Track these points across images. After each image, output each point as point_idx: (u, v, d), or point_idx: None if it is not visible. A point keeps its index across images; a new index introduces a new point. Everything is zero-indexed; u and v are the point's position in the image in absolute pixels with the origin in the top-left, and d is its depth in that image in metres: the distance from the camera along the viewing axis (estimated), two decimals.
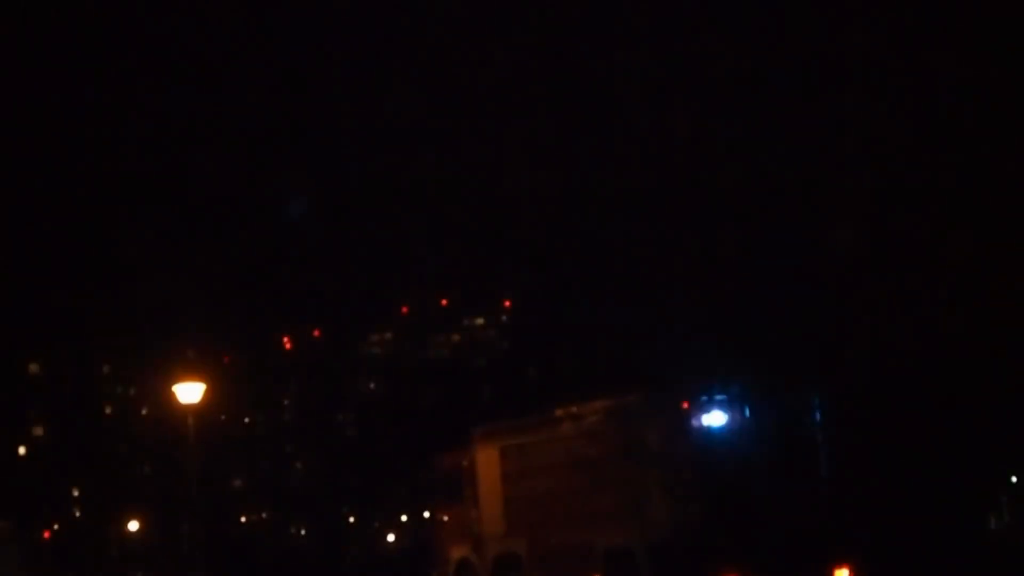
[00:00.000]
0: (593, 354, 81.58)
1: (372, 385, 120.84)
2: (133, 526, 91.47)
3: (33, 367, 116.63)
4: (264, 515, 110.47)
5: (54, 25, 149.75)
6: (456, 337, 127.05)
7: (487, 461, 34.77)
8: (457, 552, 36.16)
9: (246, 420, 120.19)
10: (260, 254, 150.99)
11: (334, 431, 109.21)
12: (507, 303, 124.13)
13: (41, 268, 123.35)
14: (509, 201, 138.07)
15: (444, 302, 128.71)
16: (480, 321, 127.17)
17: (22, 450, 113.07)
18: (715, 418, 29.62)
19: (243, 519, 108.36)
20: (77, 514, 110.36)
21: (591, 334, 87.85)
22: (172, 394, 33.36)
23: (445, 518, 37.30)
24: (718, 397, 29.91)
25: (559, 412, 33.31)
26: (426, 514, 42.11)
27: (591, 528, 31.13)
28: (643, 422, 30.49)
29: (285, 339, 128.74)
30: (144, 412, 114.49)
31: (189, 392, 32.93)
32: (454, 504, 36.31)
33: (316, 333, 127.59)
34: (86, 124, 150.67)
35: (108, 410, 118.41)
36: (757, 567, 28.55)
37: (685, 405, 29.83)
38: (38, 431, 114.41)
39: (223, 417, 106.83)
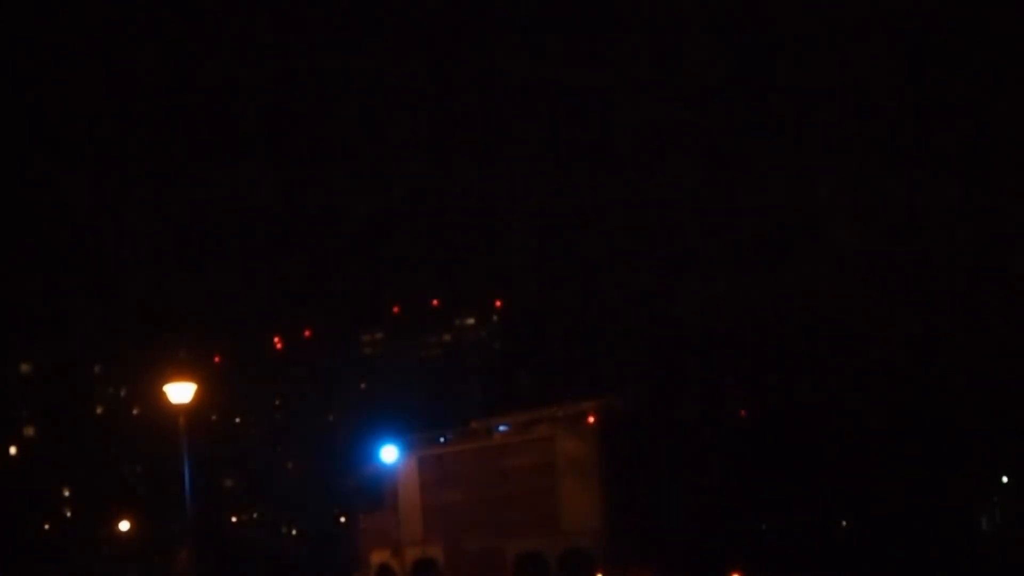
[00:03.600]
0: (578, 355, 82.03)
1: (363, 385, 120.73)
2: (124, 526, 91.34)
3: (24, 367, 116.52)
4: (255, 515, 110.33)
5: (44, 21, 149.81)
6: (447, 337, 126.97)
7: (407, 470, 36.15)
8: (378, 556, 37.29)
9: (237, 420, 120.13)
10: (251, 255, 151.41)
11: (325, 431, 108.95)
12: (498, 303, 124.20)
13: (32, 268, 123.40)
14: (500, 203, 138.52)
15: (435, 302, 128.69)
16: (471, 321, 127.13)
17: (13, 450, 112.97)
18: (621, 432, 30.52)
19: (234, 519, 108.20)
20: (68, 513, 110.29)
21: (577, 336, 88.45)
22: (163, 394, 33.25)
23: (367, 523, 38.05)
24: (624, 411, 30.85)
25: (474, 425, 35.33)
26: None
27: (504, 535, 32.49)
28: (555, 435, 31.52)
29: (276, 339, 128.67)
30: (135, 412, 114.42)
31: (180, 392, 32.80)
32: (375, 510, 37.40)
33: (307, 333, 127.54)
34: (80, 123, 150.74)
35: (99, 410, 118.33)
36: (663, 571, 29.57)
37: (591, 420, 30.68)
38: (29, 431, 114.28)
39: (214, 417, 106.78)
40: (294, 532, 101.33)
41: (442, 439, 36.02)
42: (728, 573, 30.08)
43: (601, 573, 30.06)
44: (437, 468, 35.19)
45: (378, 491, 37.04)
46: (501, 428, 33.84)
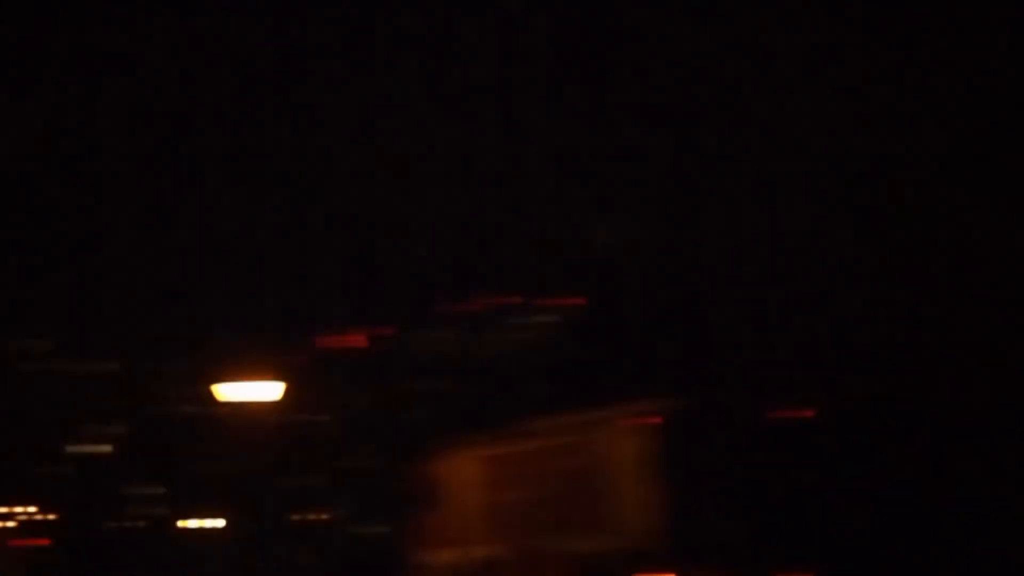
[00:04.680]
0: (655, 353, 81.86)
1: (442, 383, 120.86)
2: (209, 524, 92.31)
3: (113, 365, 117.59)
4: (340, 512, 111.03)
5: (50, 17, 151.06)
6: (527, 334, 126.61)
7: (468, 470, 37.28)
8: (438, 557, 38.32)
9: (319, 418, 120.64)
10: (329, 252, 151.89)
11: (405, 429, 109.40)
12: (576, 302, 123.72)
13: (119, 267, 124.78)
14: (577, 199, 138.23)
15: (515, 299, 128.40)
16: (550, 319, 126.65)
17: (104, 448, 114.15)
18: (684, 430, 31.00)
19: (321, 517, 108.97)
20: (160, 512, 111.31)
21: (655, 336, 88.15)
22: (245, 393, 33.70)
23: (428, 523, 38.89)
24: (686, 410, 30.85)
25: (538, 424, 35.80)
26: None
27: (565, 535, 33.17)
28: (615, 435, 32.23)
29: (361, 336, 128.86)
30: (223, 410, 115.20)
31: (262, 391, 33.20)
32: (436, 510, 38.31)
33: (390, 330, 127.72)
34: (161, 122, 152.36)
35: (187, 408, 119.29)
36: (724, 571, 30.10)
37: (652, 418, 31.37)
38: (120, 429, 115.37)
39: (298, 415, 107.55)
40: (381, 531, 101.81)
41: (503, 438, 36.12)
42: (789, 574, 30.16)
43: (662, 573, 30.18)
44: (498, 467, 35.39)
45: (439, 490, 37.17)
46: (561, 427, 33.95)
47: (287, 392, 34.88)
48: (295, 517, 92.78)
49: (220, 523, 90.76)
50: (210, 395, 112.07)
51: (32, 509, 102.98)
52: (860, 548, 33.21)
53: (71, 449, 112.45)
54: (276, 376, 33.88)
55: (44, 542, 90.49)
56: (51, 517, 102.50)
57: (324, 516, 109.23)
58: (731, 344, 66.84)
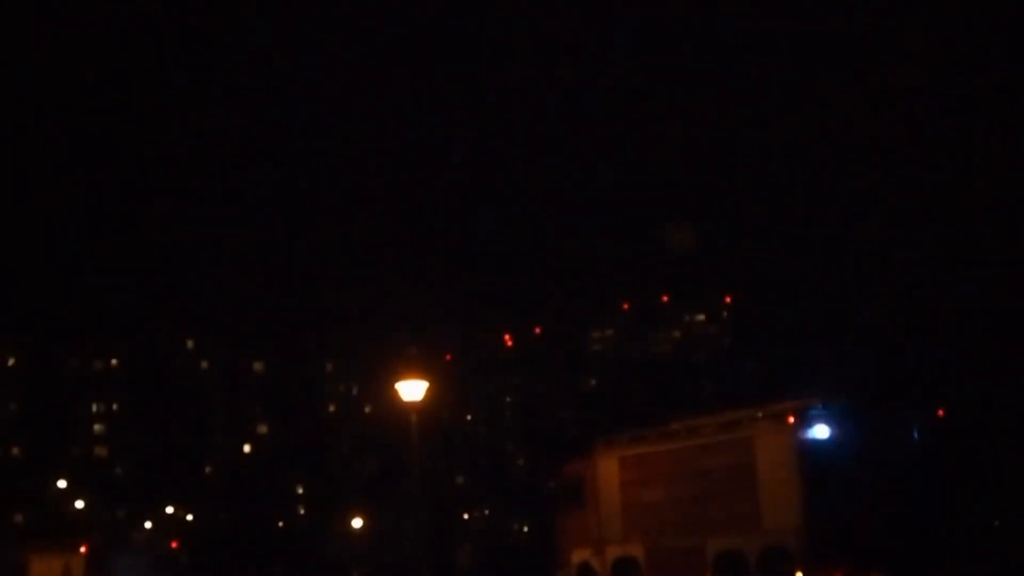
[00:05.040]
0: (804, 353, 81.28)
1: (593, 382, 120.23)
2: (356, 523, 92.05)
3: (257, 365, 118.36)
4: (486, 512, 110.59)
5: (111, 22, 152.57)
6: (677, 334, 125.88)
7: (607, 470, 36.45)
8: (578, 556, 37.54)
9: (468, 417, 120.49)
10: (482, 253, 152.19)
11: (555, 428, 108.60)
12: (728, 299, 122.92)
13: (266, 268, 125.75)
14: (730, 200, 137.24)
15: (665, 298, 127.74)
16: (701, 317, 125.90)
17: (247, 448, 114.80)
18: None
19: (465, 516, 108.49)
20: (301, 510, 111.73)
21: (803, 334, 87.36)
22: (395, 392, 32.87)
23: (567, 523, 38.49)
24: (824, 411, 31.09)
25: (675, 425, 35.11)
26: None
27: (705, 533, 32.79)
28: (755, 435, 31.88)
29: (507, 336, 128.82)
30: (367, 410, 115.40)
31: (412, 390, 32.41)
32: (576, 510, 37.68)
33: (537, 330, 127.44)
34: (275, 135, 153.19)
35: (331, 408, 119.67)
36: (862, 569, 29.48)
37: (790, 419, 30.88)
38: (263, 429, 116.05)
39: (445, 415, 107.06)
40: (525, 529, 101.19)
41: (643, 438, 36.12)
42: (928, 574, 29.54)
43: (801, 571, 30.01)
44: (637, 467, 35.55)
45: (579, 490, 37.46)
46: (702, 427, 33.94)
47: (433, 391, 34.02)
48: (441, 516, 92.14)
49: (361, 523, 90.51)
50: (357, 395, 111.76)
51: (170, 510, 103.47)
52: (994, 553, 33.11)
53: (215, 449, 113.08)
54: (424, 376, 32.88)
55: (174, 544, 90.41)
56: (189, 517, 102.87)
57: (470, 515, 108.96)
58: (874, 346, 66.87)
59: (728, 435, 32.71)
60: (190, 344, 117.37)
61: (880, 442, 31.06)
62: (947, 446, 33.08)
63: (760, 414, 32.24)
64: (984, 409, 42.58)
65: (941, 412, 34.33)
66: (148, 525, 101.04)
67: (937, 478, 31.37)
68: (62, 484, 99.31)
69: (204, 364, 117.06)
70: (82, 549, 47.56)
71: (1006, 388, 46.38)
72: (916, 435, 31.66)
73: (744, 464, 31.80)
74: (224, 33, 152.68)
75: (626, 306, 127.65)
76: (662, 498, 34.54)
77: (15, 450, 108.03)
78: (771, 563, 30.80)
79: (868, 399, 36.06)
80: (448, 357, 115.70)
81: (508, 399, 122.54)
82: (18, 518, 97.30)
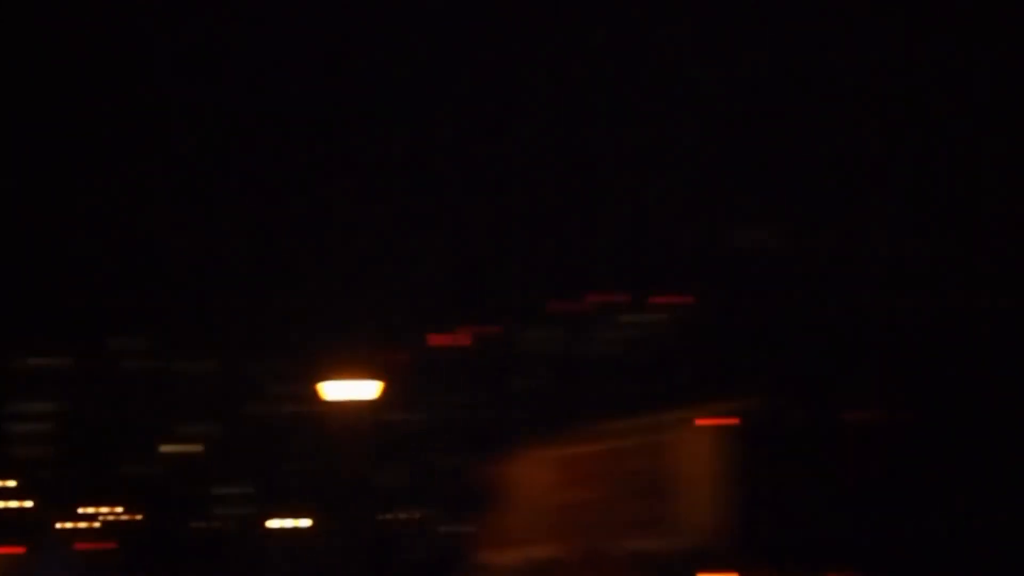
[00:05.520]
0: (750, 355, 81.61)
1: (524, 382, 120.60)
2: (297, 523, 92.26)
3: (196, 365, 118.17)
4: (419, 514, 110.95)
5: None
6: (628, 333, 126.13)
7: (528, 472, 37.63)
8: (496, 556, 38.47)
9: (413, 417, 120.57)
10: (428, 251, 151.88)
11: (486, 429, 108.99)
12: (679, 300, 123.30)
13: (211, 265, 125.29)
14: (677, 199, 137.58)
15: (616, 298, 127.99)
16: (653, 317, 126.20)
17: (189, 448, 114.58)
18: (742, 430, 31.51)
19: (402, 516, 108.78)
20: (240, 511, 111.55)
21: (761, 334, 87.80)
22: (331, 392, 33.37)
23: (485, 523, 39.86)
24: (741, 413, 31.98)
25: (595, 428, 36.85)
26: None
27: (624, 535, 33.47)
28: (676, 438, 32.75)
29: (449, 336, 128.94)
30: (305, 410, 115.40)
31: (353, 390, 32.90)
32: (496, 511, 38.88)
33: (480, 329, 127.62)
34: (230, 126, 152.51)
35: (270, 408, 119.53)
36: (780, 571, 30.19)
37: (707, 422, 31.83)
38: (201, 428, 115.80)
39: (389, 415, 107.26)
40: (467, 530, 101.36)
41: (563, 441, 36.90)
42: (845, 574, 30.34)
43: (717, 573, 30.77)
44: (557, 469, 36.27)
45: (497, 491, 38.07)
46: (629, 428, 34.70)
47: (385, 391, 34.48)
48: (385, 516, 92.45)
49: (307, 523, 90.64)
50: (307, 394, 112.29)
51: (119, 509, 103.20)
52: (923, 550, 32.97)
53: (163, 449, 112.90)
54: (375, 375, 33.44)
55: (111, 545, 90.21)
56: (137, 517, 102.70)
57: (414, 516, 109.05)
58: (812, 347, 67.68)
59: (646, 438, 33.39)
60: (128, 344, 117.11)
61: (798, 444, 31.72)
62: (868, 447, 33.63)
63: (678, 417, 32.90)
64: (908, 411, 43.04)
65: (858, 414, 34.85)
66: (83, 525, 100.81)
67: (854, 480, 31.96)
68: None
69: (142, 364, 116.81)
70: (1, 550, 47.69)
71: (931, 392, 46.92)
72: (836, 437, 32.34)
73: (661, 466, 32.65)
74: None
75: (558, 307, 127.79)
76: (581, 500, 35.48)
77: None
78: (687, 564, 31.49)
79: (788, 400, 36.59)
80: (384, 357, 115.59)
81: (442, 400, 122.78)
82: None
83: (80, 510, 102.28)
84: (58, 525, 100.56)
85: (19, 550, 48.83)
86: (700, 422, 31.77)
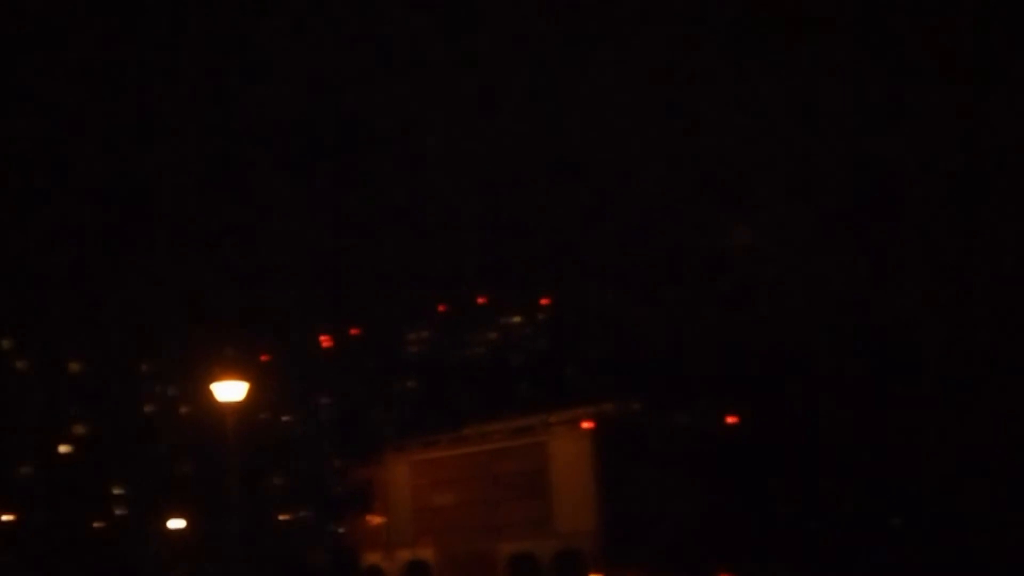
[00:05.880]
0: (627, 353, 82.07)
1: (409, 383, 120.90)
2: (176, 524, 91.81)
3: (73, 365, 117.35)
4: (302, 514, 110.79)
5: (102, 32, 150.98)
6: (494, 335, 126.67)
7: (398, 474, 37.34)
8: (368, 559, 38.30)
9: (285, 419, 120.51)
10: (297, 252, 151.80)
11: (371, 429, 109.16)
12: (544, 301, 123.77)
13: (80, 265, 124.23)
14: (544, 199, 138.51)
15: (481, 300, 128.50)
16: (517, 319, 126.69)
17: (63, 448, 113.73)
18: (617, 433, 31.72)
19: (283, 518, 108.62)
20: (119, 512, 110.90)
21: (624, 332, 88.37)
22: (211, 392, 33.44)
23: (358, 526, 39.30)
24: (618, 414, 32.55)
25: (468, 430, 36.50)
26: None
27: (497, 536, 33.65)
28: (550, 440, 32.80)
29: (323, 337, 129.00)
30: (184, 410, 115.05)
31: (229, 391, 32.98)
32: (366, 513, 38.56)
33: (354, 331, 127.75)
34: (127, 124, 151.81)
35: (148, 408, 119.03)
36: (655, 572, 30.48)
37: (584, 424, 31.99)
38: (79, 429, 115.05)
39: (262, 416, 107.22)
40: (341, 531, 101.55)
41: (434, 443, 37.06)
42: (719, 574, 30.90)
43: (594, 574, 31.06)
44: (429, 472, 36.45)
45: (368, 493, 38.11)
46: (496, 432, 34.86)
47: (252, 392, 34.48)
48: (258, 518, 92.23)
49: (181, 524, 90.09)
50: (174, 395, 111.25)
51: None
52: (784, 549, 33.81)
53: (32, 449, 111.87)
54: (240, 376, 33.44)
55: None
56: (5, 518, 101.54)
57: (286, 517, 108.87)
58: (680, 352, 68.24)
59: (522, 440, 33.79)
60: (6, 343, 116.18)
61: (675, 445, 32.19)
62: (744, 449, 34.12)
63: (553, 419, 33.23)
64: (785, 413, 43.70)
65: (733, 418, 35.33)
66: None
67: (731, 480, 32.47)
68: None
69: (20, 363, 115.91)
70: None
71: (810, 392, 47.87)
72: (712, 437, 32.91)
73: (538, 469, 32.83)
74: None
75: (442, 308, 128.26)
76: (454, 502, 35.57)
77: None
78: (565, 566, 31.97)
79: (665, 401, 36.90)
80: (264, 358, 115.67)
81: (325, 400, 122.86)
82: None
83: None
84: None
85: None
86: (563, 425, 31.91)
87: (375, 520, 37.55)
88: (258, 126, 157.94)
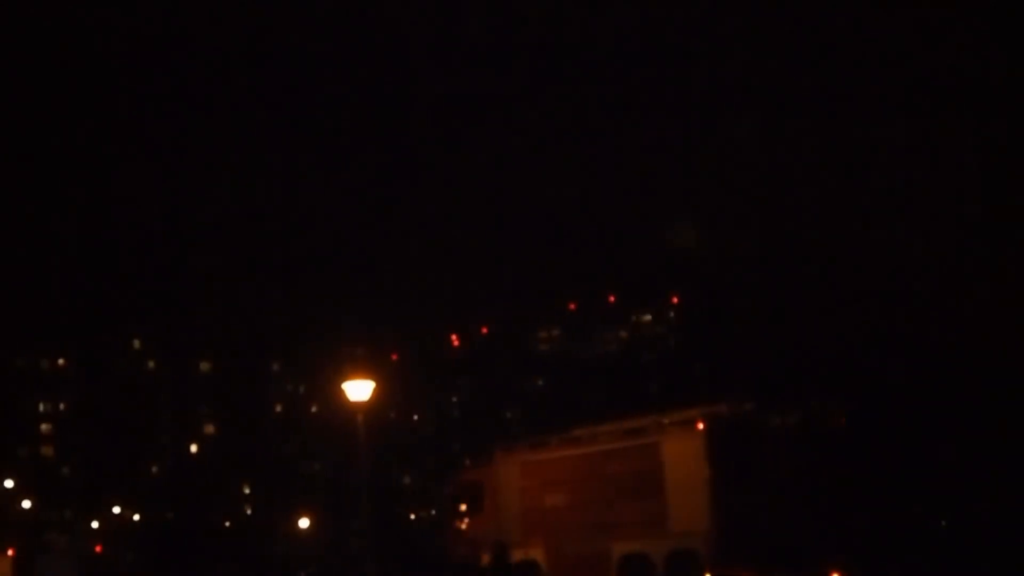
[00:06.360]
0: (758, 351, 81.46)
1: (540, 382, 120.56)
2: (303, 523, 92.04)
3: (204, 366, 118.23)
4: (433, 512, 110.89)
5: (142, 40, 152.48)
6: (624, 333, 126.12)
7: (507, 475, 37.15)
8: (479, 559, 37.51)
9: (415, 417, 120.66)
10: (427, 253, 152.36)
11: (501, 428, 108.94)
12: (675, 299, 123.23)
13: (212, 271, 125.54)
14: (679, 201, 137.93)
15: (612, 298, 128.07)
16: (647, 317, 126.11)
17: (194, 447, 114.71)
18: (730, 433, 31.38)
19: (412, 516, 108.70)
20: (248, 510, 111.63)
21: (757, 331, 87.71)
22: (341, 392, 33.05)
23: (464, 526, 39.09)
24: (732, 415, 31.90)
25: (578, 431, 36.05)
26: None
27: (609, 537, 33.33)
28: (663, 440, 32.49)
29: (453, 336, 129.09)
30: (313, 410, 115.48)
31: (358, 390, 32.56)
32: (475, 514, 38.46)
33: (484, 330, 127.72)
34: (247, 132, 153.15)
35: (278, 408, 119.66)
36: (768, 572, 29.99)
37: (699, 425, 31.51)
38: (209, 429, 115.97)
39: (392, 415, 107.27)
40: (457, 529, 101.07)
41: (544, 444, 36.78)
42: (830, 574, 30.28)
43: (708, 574, 30.61)
44: (538, 473, 36.13)
45: (478, 495, 37.97)
46: (608, 433, 34.54)
47: (381, 391, 34.16)
48: (385, 516, 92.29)
49: (308, 523, 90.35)
50: (303, 394, 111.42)
51: (117, 510, 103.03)
52: (897, 550, 33.19)
53: (162, 449, 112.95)
54: (370, 376, 33.02)
55: (98, 548, 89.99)
56: (136, 517, 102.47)
57: (413, 515, 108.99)
58: (791, 353, 68.01)
59: (634, 441, 33.29)
60: (137, 344, 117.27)
61: (787, 445, 31.63)
62: (858, 450, 33.63)
63: (667, 420, 32.83)
64: (902, 412, 43.39)
65: (843, 420, 34.83)
66: (95, 525, 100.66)
67: (846, 481, 31.89)
68: (9, 484, 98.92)
69: (151, 364, 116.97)
70: (9, 552, 47.71)
71: (926, 391, 47.21)
72: (827, 438, 32.30)
73: (651, 469, 32.32)
74: None
75: (572, 306, 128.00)
76: (565, 502, 35.12)
77: None
78: (678, 566, 31.40)
79: (777, 401, 36.59)
80: (395, 357, 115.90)
81: (455, 399, 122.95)
82: None
83: (92, 511, 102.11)
84: (67, 526, 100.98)
85: (20, 552, 48.76)
86: (690, 425, 31.62)
87: (484, 521, 37.47)
88: (388, 132, 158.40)
